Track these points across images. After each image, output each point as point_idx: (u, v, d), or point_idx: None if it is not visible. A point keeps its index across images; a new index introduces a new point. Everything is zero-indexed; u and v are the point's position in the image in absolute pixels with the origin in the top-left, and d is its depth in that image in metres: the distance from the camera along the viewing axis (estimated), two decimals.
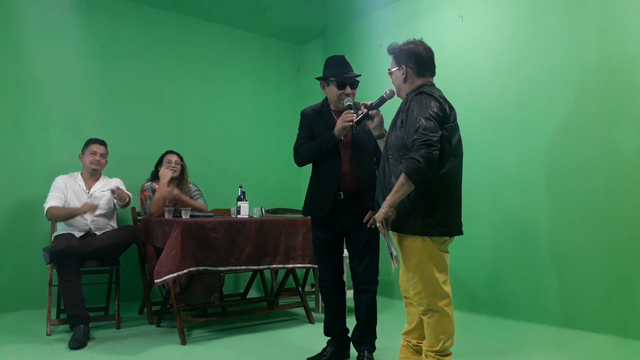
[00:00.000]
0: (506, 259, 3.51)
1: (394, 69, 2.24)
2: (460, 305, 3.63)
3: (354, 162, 2.60)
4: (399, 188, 1.98)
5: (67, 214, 3.35)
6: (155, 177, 3.82)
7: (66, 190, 3.46)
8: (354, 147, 2.61)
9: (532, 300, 3.34)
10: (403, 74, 2.20)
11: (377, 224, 2.06)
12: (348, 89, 2.59)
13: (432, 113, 2.00)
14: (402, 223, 2.07)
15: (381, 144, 2.38)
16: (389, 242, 2.07)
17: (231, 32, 4.95)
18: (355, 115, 2.44)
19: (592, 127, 3.09)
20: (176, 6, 4.54)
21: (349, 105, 2.52)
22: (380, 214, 2.04)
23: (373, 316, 2.65)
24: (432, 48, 2.24)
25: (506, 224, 3.52)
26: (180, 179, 3.79)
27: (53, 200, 3.38)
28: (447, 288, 2.09)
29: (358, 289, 2.65)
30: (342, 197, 2.59)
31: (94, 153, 3.55)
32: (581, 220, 3.11)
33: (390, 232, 2.12)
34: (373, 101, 2.34)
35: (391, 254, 2.05)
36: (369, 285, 2.61)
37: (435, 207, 2.05)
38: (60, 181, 3.48)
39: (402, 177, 1.96)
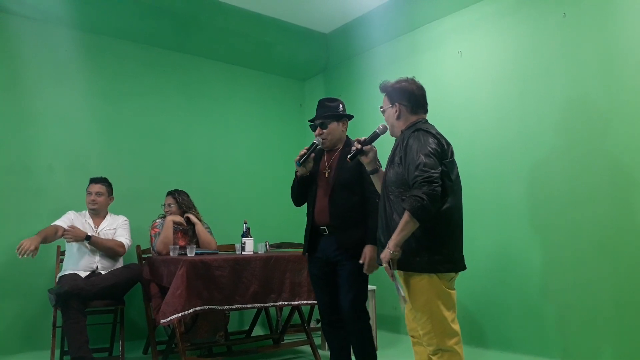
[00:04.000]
0: (511, 292, 3.48)
1: (387, 107, 2.27)
2: (468, 340, 3.57)
3: (329, 198, 2.64)
4: (404, 227, 1.98)
5: (48, 232, 3.27)
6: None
7: (75, 223, 3.48)
8: (331, 184, 2.67)
9: (538, 333, 3.30)
10: (396, 111, 2.23)
11: (384, 265, 2.06)
12: (318, 130, 2.72)
13: (430, 150, 2.02)
14: (408, 261, 2.05)
15: (375, 178, 2.39)
16: (396, 283, 2.06)
17: (235, 70, 5.04)
18: (305, 150, 2.60)
19: (595, 159, 3.11)
20: (181, 46, 4.64)
21: (312, 143, 2.65)
22: (386, 254, 2.03)
23: (368, 352, 2.62)
24: (432, 83, 2.30)
25: (510, 258, 3.51)
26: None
27: (59, 221, 3.41)
28: (456, 326, 2.07)
29: (347, 328, 2.64)
30: (327, 232, 2.65)
31: (90, 193, 3.59)
32: (585, 251, 3.11)
33: (396, 271, 2.12)
34: (366, 137, 2.35)
35: (400, 295, 2.04)
36: (356, 322, 2.60)
37: (441, 243, 2.05)
38: (71, 214, 3.52)
39: (406, 216, 1.97)
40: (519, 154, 3.52)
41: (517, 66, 3.58)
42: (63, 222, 3.42)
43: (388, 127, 2.32)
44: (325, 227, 2.65)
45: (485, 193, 3.66)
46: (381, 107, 2.30)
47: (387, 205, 2.16)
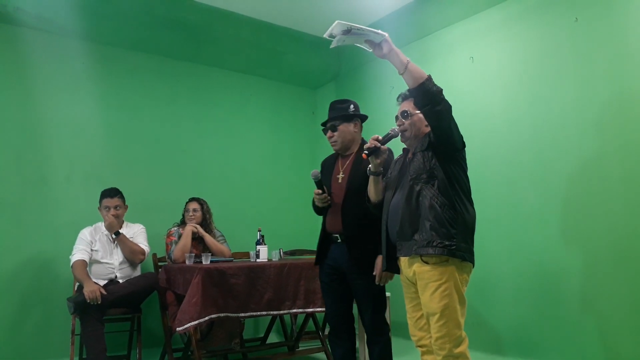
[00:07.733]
0: (528, 298, 3.45)
1: (417, 113, 2.26)
2: (484, 347, 3.56)
3: (341, 206, 2.58)
4: (418, 71, 2.09)
5: (80, 279, 3.32)
6: (183, 222, 3.90)
7: (94, 241, 3.52)
8: (344, 190, 2.60)
9: (557, 340, 3.27)
10: None
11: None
12: (329, 133, 2.68)
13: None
14: (432, 245, 2.04)
15: (374, 181, 2.34)
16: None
17: (248, 79, 5.10)
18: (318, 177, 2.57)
19: (609, 163, 3.09)
20: (194, 56, 4.70)
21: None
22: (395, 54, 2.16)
23: None
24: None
25: (526, 264, 3.48)
26: (202, 226, 3.86)
27: (79, 253, 3.42)
28: (464, 332, 2.08)
29: (369, 339, 2.62)
30: (340, 240, 2.58)
31: (107, 208, 3.56)
32: (604, 257, 3.07)
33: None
34: (381, 136, 2.28)
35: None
36: (378, 336, 2.57)
37: (465, 233, 2.08)
38: (86, 233, 3.53)
39: (426, 77, 2.07)
40: (532, 158, 3.50)
41: (529, 71, 3.57)
42: (84, 250, 3.44)
43: (409, 131, 2.28)
44: (337, 235, 2.59)
45: (497, 198, 3.65)
46: (409, 111, 2.27)
47: (412, 197, 2.13)
